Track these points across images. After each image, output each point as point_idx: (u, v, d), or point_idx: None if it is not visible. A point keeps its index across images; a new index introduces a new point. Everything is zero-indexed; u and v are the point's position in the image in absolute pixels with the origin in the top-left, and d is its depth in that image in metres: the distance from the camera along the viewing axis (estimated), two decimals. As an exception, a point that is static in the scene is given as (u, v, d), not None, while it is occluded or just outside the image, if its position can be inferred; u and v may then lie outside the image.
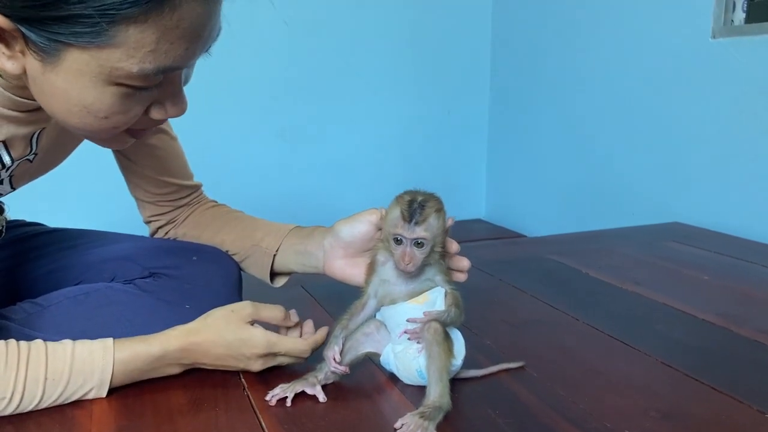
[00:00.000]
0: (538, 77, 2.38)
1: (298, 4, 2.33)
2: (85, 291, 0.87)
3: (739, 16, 1.64)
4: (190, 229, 1.02)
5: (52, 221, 1.07)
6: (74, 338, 0.74)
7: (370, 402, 0.75)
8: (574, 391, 0.77)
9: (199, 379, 0.80)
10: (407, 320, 0.73)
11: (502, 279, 1.23)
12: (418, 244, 0.72)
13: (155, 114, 0.67)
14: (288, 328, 0.83)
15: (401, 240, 0.72)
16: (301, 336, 0.83)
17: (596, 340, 0.94)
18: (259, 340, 0.76)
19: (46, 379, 0.70)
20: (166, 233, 1.04)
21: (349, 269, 0.85)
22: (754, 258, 1.36)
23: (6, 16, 0.56)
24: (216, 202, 1.07)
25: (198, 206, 1.04)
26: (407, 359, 0.75)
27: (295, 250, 0.92)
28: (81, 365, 0.72)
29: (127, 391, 0.77)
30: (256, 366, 0.78)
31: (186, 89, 0.70)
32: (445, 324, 0.73)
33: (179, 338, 0.76)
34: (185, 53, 0.61)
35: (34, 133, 0.75)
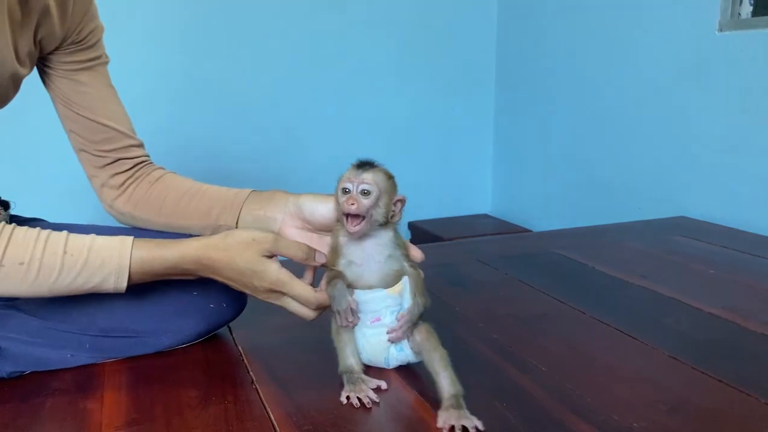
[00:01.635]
0: (544, 71, 2.37)
1: (305, 1, 2.34)
2: None
3: (746, 9, 1.63)
4: (143, 212, 1.00)
5: (57, 218, 1.07)
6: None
7: (378, 395, 0.75)
8: (581, 384, 0.77)
9: (209, 374, 0.81)
10: (387, 332, 0.76)
11: (508, 273, 1.23)
12: (363, 192, 0.74)
13: None
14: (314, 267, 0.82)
15: (348, 189, 0.75)
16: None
17: (603, 333, 0.94)
18: (269, 275, 0.77)
19: (64, 252, 0.73)
20: (118, 208, 1.01)
21: (300, 239, 0.85)
22: (762, 252, 1.36)
23: None
24: (162, 169, 1.04)
25: (143, 179, 1.01)
26: (378, 346, 0.77)
27: (255, 216, 0.91)
28: (99, 248, 0.75)
29: (138, 385, 0.78)
30: (262, 297, 0.79)
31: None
32: (420, 316, 0.76)
33: (197, 250, 0.78)
34: None
35: None
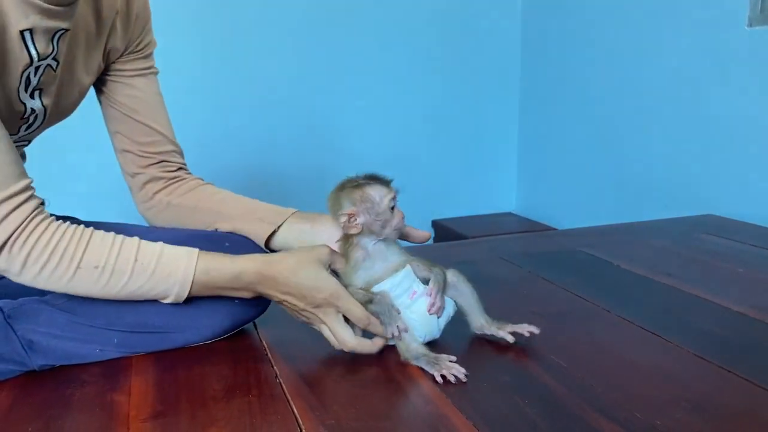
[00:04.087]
0: (569, 68, 2.36)
1: (327, 4, 2.35)
2: None
3: (777, 3, 1.60)
4: (183, 199, 1.05)
5: (93, 217, 1.09)
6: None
7: (399, 390, 0.76)
8: (604, 382, 0.77)
9: (234, 368, 0.82)
10: (428, 309, 0.82)
11: (531, 271, 1.23)
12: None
13: None
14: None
15: (394, 205, 0.82)
16: None
17: (628, 331, 0.94)
18: (330, 286, 0.80)
19: (135, 260, 0.78)
20: (159, 198, 1.06)
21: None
22: (792, 250, 1.33)
23: None
24: (201, 179, 1.09)
25: (186, 182, 1.07)
26: (431, 317, 0.82)
27: (300, 229, 0.97)
28: (168, 259, 0.80)
29: (164, 378, 0.80)
30: (311, 313, 0.82)
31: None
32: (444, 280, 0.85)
33: (261, 263, 0.82)
34: None
35: (55, 33, 0.82)
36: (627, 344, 0.89)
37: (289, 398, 0.74)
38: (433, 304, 0.82)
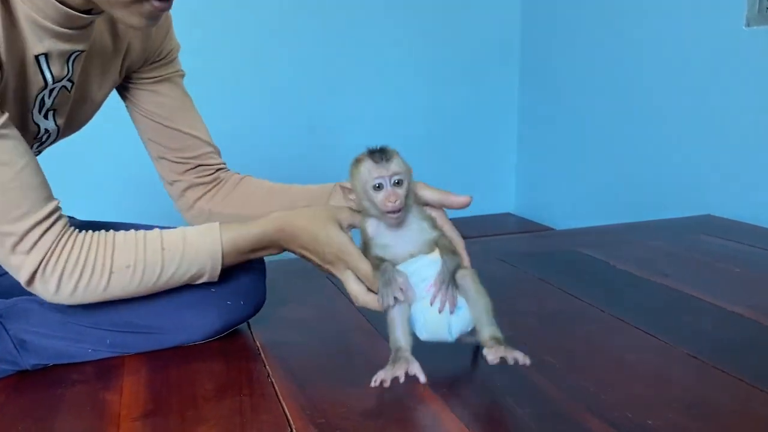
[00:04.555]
0: (569, 68, 2.35)
1: (329, 3, 2.35)
2: None
3: (775, 3, 1.60)
4: (226, 208, 1.04)
5: (86, 215, 1.10)
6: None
7: (390, 390, 0.75)
8: (597, 382, 0.77)
9: (226, 367, 0.82)
10: (431, 303, 0.72)
11: (527, 271, 1.22)
12: (397, 183, 0.73)
13: None
14: None
15: (381, 184, 0.73)
16: None
17: (622, 331, 0.93)
18: (337, 240, 0.79)
19: (163, 249, 0.79)
20: (200, 207, 1.05)
21: None
22: (789, 250, 1.33)
23: None
24: (239, 175, 1.08)
25: (226, 181, 1.06)
26: (441, 318, 0.73)
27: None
28: (193, 239, 0.80)
29: (156, 377, 0.80)
30: (326, 267, 0.81)
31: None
32: (452, 271, 0.74)
33: (280, 218, 0.83)
34: None
35: (70, 55, 0.81)
36: (620, 344, 0.89)
37: (281, 398, 0.74)
38: (435, 297, 0.72)
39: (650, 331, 0.92)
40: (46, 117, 0.86)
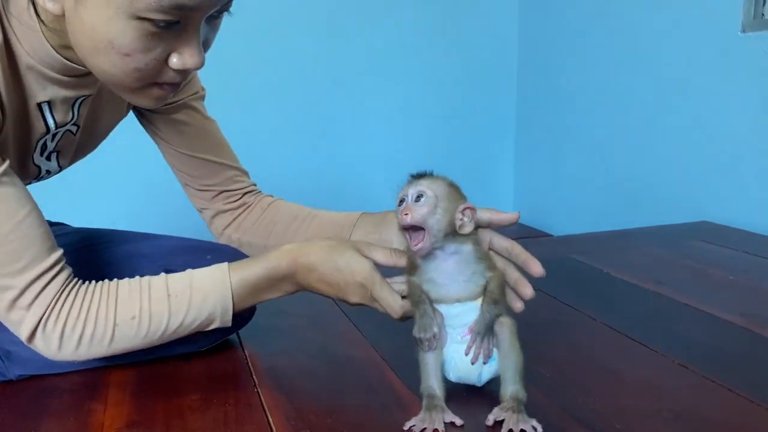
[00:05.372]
0: (566, 75, 2.35)
1: (330, 4, 2.35)
2: None
3: (770, 9, 1.60)
4: (253, 237, 1.02)
5: (83, 222, 1.09)
6: None
7: (378, 400, 0.75)
8: (585, 391, 0.76)
9: (213, 377, 0.82)
10: (465, 353, 0.71)
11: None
12: (417, 197, 0.69)
13: (174, 63, 0.69)
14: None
15: (403, 200, 0.70)
16: None
17: (612, 339, 0.93)
18: (361, 266, 0.74)
19: (168, 296, 0.74)
20: (228, 234, 1.03)
21: None
22: (785, 257, 1.32)
23: None
24: (272, 196, 1.05)
25: (254, 206, 1.03)
26: (472, 365, 0.71)
27: (371, 240, 0.89)
28: (200, 282, 0.75)
29: (142, 387, 0.79)
30: (354, 297, 0.75)
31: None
32: (489, 325, 0.70)
33: (293, 250, 0.77)
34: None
35: (76, 100, 0.79)
36: (610, 353, 0.88)
37: (266, 408, 0.74)
38: (470, 348, 0.70)
39: (641, 340, 0.91)
40: (48, 159, 0.84)
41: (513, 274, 0.78)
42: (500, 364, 0.71)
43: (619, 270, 1.25)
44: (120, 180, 2.10)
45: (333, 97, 2.44)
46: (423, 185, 0.70)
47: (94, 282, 0.75)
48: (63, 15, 0.67)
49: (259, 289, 0.78)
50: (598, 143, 2.21)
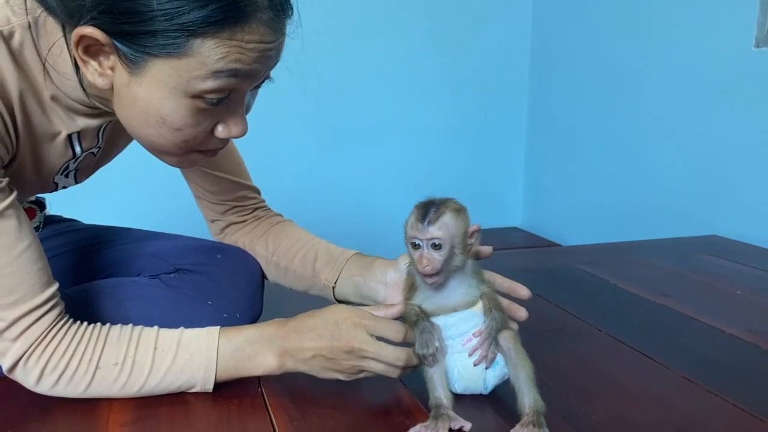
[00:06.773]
0: (577, 86, 2.35)
1: (337, 11, 2.36)
2: (113, 284, 0.90)
3: (785, 24, 1.59)
4: (259, 247, 1.02)
5: (95, 219, 1.10)
6: None
7: (380, 403, 0.76)
8: (587, 402, 0.76)
9: (217, 375, 0.82)
10: (469, 354, 0.73)
11: (527, 287, 1.22)
12: (434, 246, 0.70)
13: (220, 132, 0.73)
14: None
15: (418, 244, 0.72)
16: None
17: (617, 351, 0.93)
18: (358, 337, 0.73)
19: (155, 348, 0.75)
20: (234, 236, 1.05)
21: None
22: (793, 274, 1.32)
23: (103, 30, 0.63)
24: (281, 216, 1.07)
25: (263, 220, 1.05)
26: (475, 370, 0.74)
27: (355, 282, 0.92)
28: (188, 341, 0.76)
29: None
30: (346, 365, 0.74)
31: None
32: (498, 329, 0.73)
33: (277, 321, 0.79)
34: (250, 68, 0.68)
35: (101, 126, 0.82)
36: (614, 364, 0.88)
37: (270, 408, 0.74)
38: (475, 350, 0.73)
39: (645, 352, 0.91)
40: (66, 176, 0.86)
41: (503, 301, 0.80)
42: (511, 373, 0.72)
43: (626, 281, 1.25)
44: (132, 179, 2.11)
45: (341, 104, 2.45)
46: (437, 231, 0.70)
47: (86, 323, 0.75)
48: (110, 89, 0.69)
49: (244, 356, 0.76)
50: (609, 154, 2.21)
